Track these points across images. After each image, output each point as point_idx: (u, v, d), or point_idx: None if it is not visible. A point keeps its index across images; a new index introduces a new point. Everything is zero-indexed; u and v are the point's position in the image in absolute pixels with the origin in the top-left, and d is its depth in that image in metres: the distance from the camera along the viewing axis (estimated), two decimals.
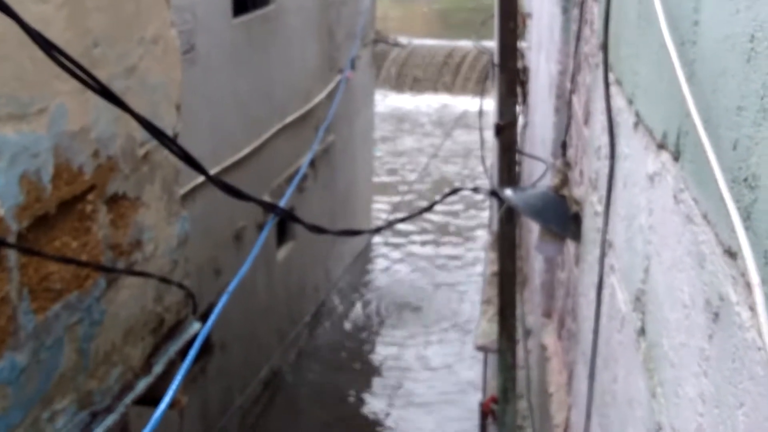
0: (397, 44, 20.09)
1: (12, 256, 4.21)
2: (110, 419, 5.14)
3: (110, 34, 4.90)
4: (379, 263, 18.61)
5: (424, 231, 19.78)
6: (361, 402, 13.91)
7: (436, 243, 19.39)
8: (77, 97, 4.56)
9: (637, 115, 2.96)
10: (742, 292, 1.80)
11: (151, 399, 5.93)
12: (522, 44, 9.53)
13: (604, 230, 3.47)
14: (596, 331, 3.51)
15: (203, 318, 10.24)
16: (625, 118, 3.21)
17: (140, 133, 5.17)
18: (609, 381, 3.39)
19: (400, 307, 16.56)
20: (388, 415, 13.55)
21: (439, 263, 18.43)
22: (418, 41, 30.72)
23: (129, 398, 5.35)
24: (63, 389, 4.73)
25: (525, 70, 8.90)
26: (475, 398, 11.15)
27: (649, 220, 2.74)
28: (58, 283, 4.60)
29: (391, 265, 18.47)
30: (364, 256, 18.59)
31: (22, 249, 4.22)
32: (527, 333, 7.43)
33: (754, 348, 1.71)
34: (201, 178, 9.36)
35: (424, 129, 27.60)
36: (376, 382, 14.44)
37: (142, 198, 5.37)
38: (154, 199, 5.51)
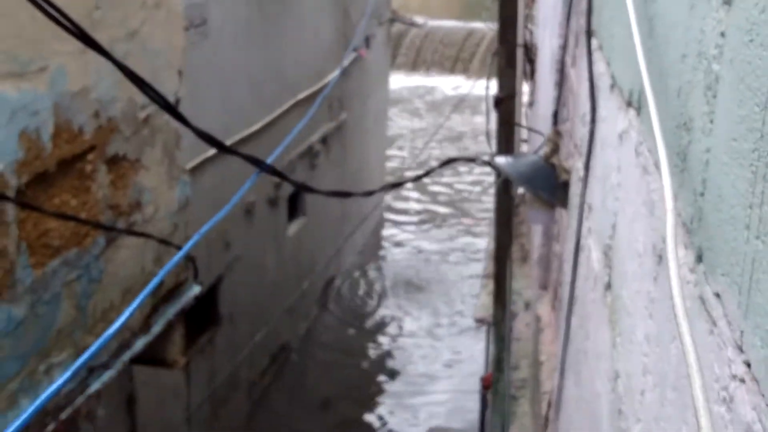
0: (413, 24, 20.07)
1: (11, 211, 4.30)
2: (107, 375, 5.24)
3: None
4: (390, 241, 18.71)
5: (435, 213, 19.89)
6: (367, 377, 14.01)
7: (449, 225, 19.48)
8: (78, 58, 4.65)
9: (613, 77, 3.05)
10: (680, 231, 1.87)
11: (149, 359, 6.05)
12: (530, 25, 9.59)
13: (583, 193, 3.55)
14: (572, 293, 3.59)
15: (212, 289, 10.41)
16: (604, 82, 3.29)
17: (141, 96, 5.23)
18: (582, 339, 3.47)
19: (408, 286, 16.66)
20: (392, 393, 13.65)
21: (451, 245, 18.52)
22: (434, 22, 30.71)
23: (126, 356, 5.46)
24: (60, 344, 4.83)
25: (533, 48, 8.95)
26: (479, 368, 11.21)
27: (617, 178, 2.82)
28: (56, 239, 4.70)
29: (403, 243, 18.56)
30: (376, 234, 18.68)
31: (21, 203, 4.32)
32: (527, 306, 7.51)
33: (684, 282, 1.79)
34: (211, 152, 9.49)
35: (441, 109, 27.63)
36: (383, 358, 14.54)
37: (143, 160, 5.47)
38: (154, 162, 5.61)
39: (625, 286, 2.58)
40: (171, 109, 3.54)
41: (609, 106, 3.10)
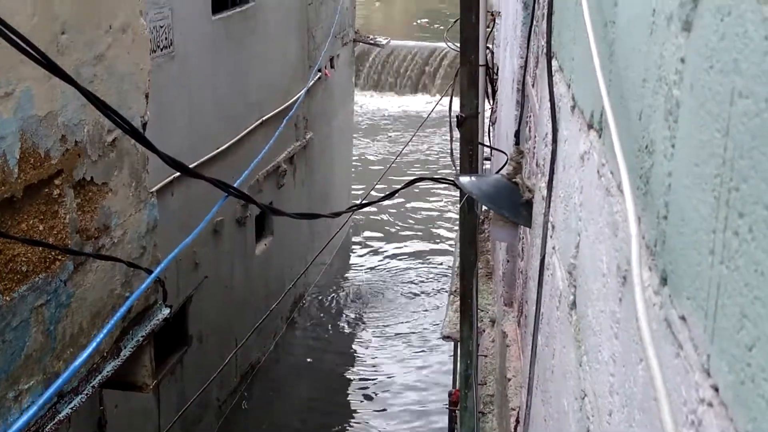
0: (376, 44, 20.10)
1: None
2: (77, 400, 5.23)
3: (78, 22, 5.00)
4: (359, 258, 18.74)
5: (406, 230, 19.94)
6: (337, 394, 14.01)
7: (419, 239, 19.54)
8: (44, 83, 4.66)
9: (573, 98, 3.08)
10: (644, 253, 1.91)
11: (119, 382, 6.04)
12: (491, 44, 9.67)
13: (547, 212, 3.59)
14: (537, 310, 3.63)
15: (181, 310, 10.38)
16: (565, 103, 3.32)
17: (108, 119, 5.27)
18: (549, 357, 3.50)
19: (377, 302, 16.70)
20: (362, 409, 13.66)
21: (421, 259, 18.58)
22: (397, 42, 30.86)
23: (96, 380, 5.45)
24: (29, 370, 4.82)
25: (495, 67, 9.03)
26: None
27: (580, 198, 2.86)
28: (24, 265, 4.69)
29: (371, 260, 18.60)
30: (344, 252, 18.70)
31: None
32: (493, 322, 7.55)
33: (649, 304, 1.82)
34: (178, 173, 9.49)
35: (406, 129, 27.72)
36: (353, 374, 14.55)
37: (110, 183, 5.47)
38: (122, 185, 5.61)
39: (590, 305, 2.60)
40: (136, 134, 3.55)
41: (570, 127, 3.14)
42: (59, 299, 5.05)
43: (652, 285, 1.81)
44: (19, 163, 4.57)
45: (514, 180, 4.47)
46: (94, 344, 3.07)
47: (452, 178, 5.37)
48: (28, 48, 3.03)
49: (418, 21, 39.96)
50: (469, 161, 5.56)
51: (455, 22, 6.35)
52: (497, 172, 5.15)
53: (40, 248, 4.80)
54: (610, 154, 2.33)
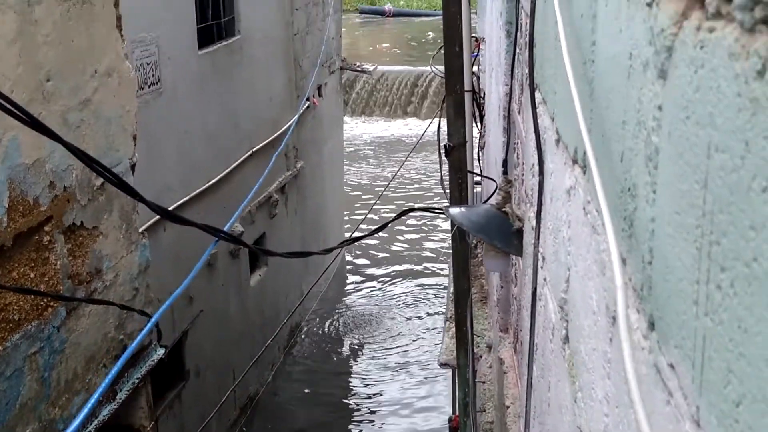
0: (363, 71, 20.14)
1: None
2: None
3: (63, 68, 5.00)
4: (354, 285, 18.71)
5: (397, 252, 19.93)
6: (336, 422, 13.98)
7: (410, 261, 19.53)
8: (30, 131, 4.64)
9: (558, 132, 3.08)
10: (632, 296, 1.90)
11: (116, 426, 6.01)
12: (476, 68, 9.68)
13: (536, 243, 3.58)
14: (531, 341, 3.62)
15: (178, 345, 10.36)
16: (549, 136, 3.32)
17: None
18: (545, 389, 3.49)
19: (373, 329, 16.66)
20: None
21: (413, 280, 18.57)
22: (384, 68, 30.94)
23: (93, 425, 5.43)
24: (25, 419, 4.80)
25: (481, 92, 9.05)
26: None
27: (568, 232, 2.85)
28: (16, 313, 4.68)
29: (367, 286, 18.57)
30: (340, 279, 18.67)
31: None
32: (489, 348, 7.54)
33: (638, 348, 1.81)
34: (170, 207, 9.51)
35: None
36: (351, 403, 14.52)
37: (100, 227, 5.46)
38: (112, 228, 5.61)
39: (582, 341, 2.59)
40: (121, 183, 3.55)
41: (556, 160, 3.13)
42: (53, 346, 5.04)
43: (641, 328, 1.79)
44: (8, 212, 4.56)
45: (503, 210, 4.47)
46: (91, 402, 3.05)
47: (442, 208, 5.38)
48: (10, 107, 3.04)
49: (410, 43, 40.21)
50: (459, 190, 5.56)
51: (440, 49, 6.36)
52: (486, 201, 5.15)
53: (32, 296, 4.79)
54: (594, 192, 2.33)
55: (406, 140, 28.57)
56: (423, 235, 20.84)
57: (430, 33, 40.83)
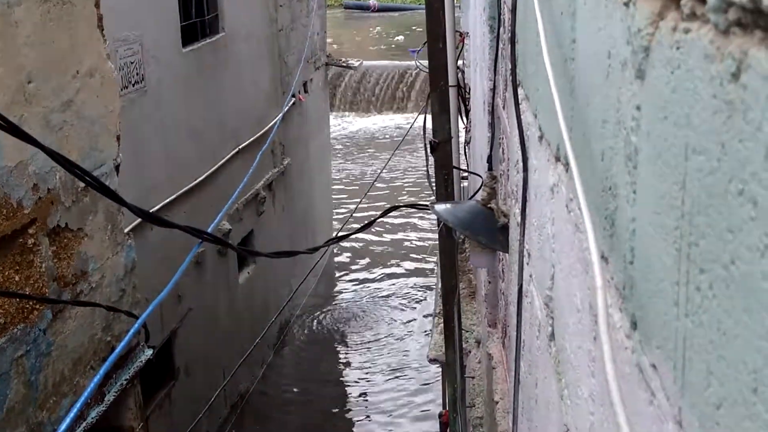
0: (349, 66, 20.14)
1: None
2: None
3: (44, 70, 4.98)
4: (344, 281, 18.70)
5: (384, 246, 19.91)
6: (327, 420, 13.97)
7: (404, 259, 19.51)
8: None
9: (540, 129, 3.07)
10: (614, 295, 1.89)
11: (105, 427, 5.99)
12: (461, 63, 9.68)
13: (522, 240, 3.58)
14: (518, 338, 3.62)
15: (167, 344, 10.34)
16: (533, 132, 3.32)
17: (81, 164, 5.25)
18: (532, 386, 3.49)
19: (363, 325, 16.65)
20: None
21: (402, 275, 18.56)
22: (369, 63, 30.91)
23: (81, 428, 5.41)
24: (12, 422, 4.78)
25: (466, 87, 9.03)
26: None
27: (552, 229, 2.84)
28: (1, 317, 4.66)
29: (356, 283, 18.57)
30: (329, 275, 18.66)
31: None
32: (478, 343, 7.54)
33: (621, 347, 1.80)
34: (157, 206, 9.50)
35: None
36: (342, 400, 14.52)
37: (85, 228, 5.44)
38: (97, 229, 5.59)
39: (567, 338, 2.58)
40: (102, 187, 3.54)
41: (539, 156, 3.13)
42: (39, 349, 5.02)
43: (623, 328, 1.78)
44: None
45: (489, 206, 4.46)
46: (81, 400, 3.04)
47: (428, 204, 5.37)
48: None
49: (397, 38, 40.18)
50: (445, 186, 5.56)
51: (424, 44, 6.35)
52: (472, 197, 5.14)
53: (18, 299, 4.77)
54: (575, 190, 2.32)
55: (395, 135, 28.55)
56: (409, 230, 20.84)
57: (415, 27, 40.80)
